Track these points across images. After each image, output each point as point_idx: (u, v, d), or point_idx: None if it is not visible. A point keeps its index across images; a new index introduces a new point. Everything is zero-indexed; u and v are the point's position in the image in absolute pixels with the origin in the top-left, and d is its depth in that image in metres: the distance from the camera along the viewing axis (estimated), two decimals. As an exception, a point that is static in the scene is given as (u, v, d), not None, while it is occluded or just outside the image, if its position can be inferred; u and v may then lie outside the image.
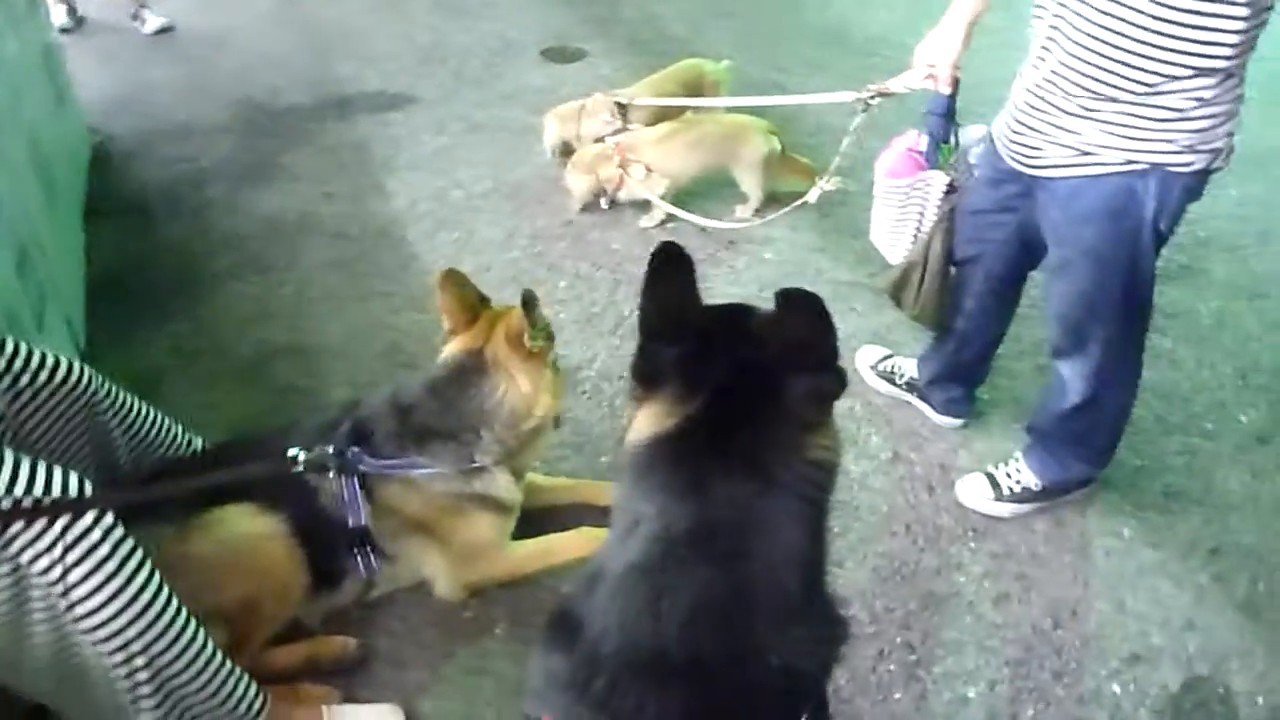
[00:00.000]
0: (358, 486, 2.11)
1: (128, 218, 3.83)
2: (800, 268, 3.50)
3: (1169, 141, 1.88)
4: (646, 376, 1.14)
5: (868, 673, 2.19)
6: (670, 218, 3.70)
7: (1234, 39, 1.76)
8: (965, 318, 2.57)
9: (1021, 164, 2.13)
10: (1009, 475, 2.57)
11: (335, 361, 3.09)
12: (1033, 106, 2.04)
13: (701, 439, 1.07)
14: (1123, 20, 1.79)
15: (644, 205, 3.75)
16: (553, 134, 3.86)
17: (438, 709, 2.12)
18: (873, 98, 2.50)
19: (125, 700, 1.72)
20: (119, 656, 1.66)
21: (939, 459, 2.76)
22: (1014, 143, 2.12)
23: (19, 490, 1.55)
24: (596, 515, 2.47)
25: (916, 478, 2.70)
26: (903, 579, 2.41)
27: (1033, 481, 2.53)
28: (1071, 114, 1.96)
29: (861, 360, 3.02)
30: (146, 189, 4.03)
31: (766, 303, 1.11)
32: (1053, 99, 1.98)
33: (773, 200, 3.76)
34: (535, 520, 2.41)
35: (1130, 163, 1.93)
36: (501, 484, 2.24)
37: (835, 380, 1.10)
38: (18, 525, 1.56)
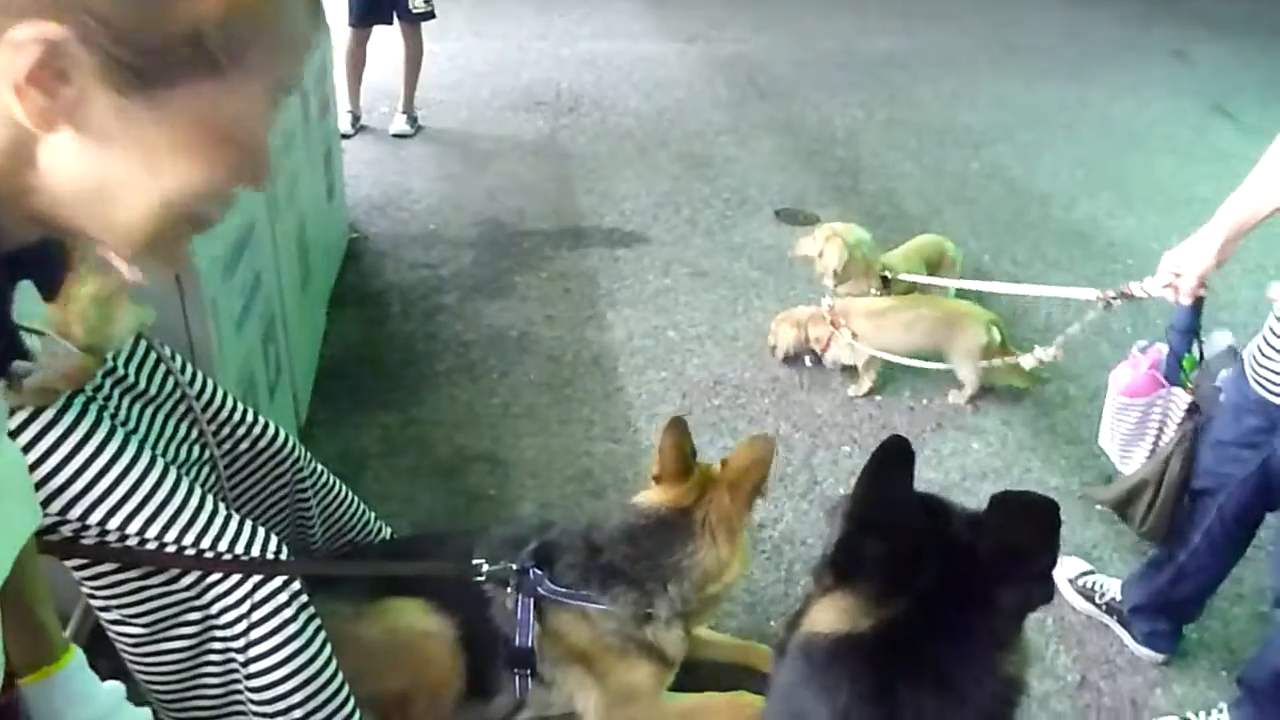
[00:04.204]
0: (532, 608, 2.13)
1: (366, 311, 4.10)
2: (1008, 464, 3.35)
3: None
4: (844, 568, 1.11)
5: None
6: (878, 389, 3.65)
7: None
8: (1189, 552, 2.38)
9: (1266, 391, 1.99)
10: (1210, 728, 2.34)
11: (527, 478, 3.16)
12: None
13: (897, 647, 1.03)
14: None
15: (852, 373, 3.72)
16: (786, 339, 3.81)
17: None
18: (1115, 297, 2.41)
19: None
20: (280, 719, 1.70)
21: (1132, 693, 2.53)
22: (1261, 367, 2.00)
23: (223, 545, 1.64)
24: (757, 680, 2.39)
25: (1104, 709, 2.49)
26: (1079, 820, 2.20)
27: (1238, 741, 2.29)
28: None
29: (1061, 573, 2.83)
30: (388, 287, 4.31)
31: (965, 493, 1.07)
32: None
33: (988, 392, 3.66)
34: (693, 674, 2.35)
35: None
36: (672, 638, 2.22)
37: (1044, 593, 1.04)
38: (214, 576, 1.64)
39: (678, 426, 2.21)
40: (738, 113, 6.75)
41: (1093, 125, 6.77)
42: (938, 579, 1.04)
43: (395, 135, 6.04)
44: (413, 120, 6.11)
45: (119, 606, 1.67)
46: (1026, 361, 3.04)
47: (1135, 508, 2.41)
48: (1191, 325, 2.21)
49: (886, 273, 3.87)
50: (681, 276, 4.54)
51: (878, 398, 3.67)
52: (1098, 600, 2.73)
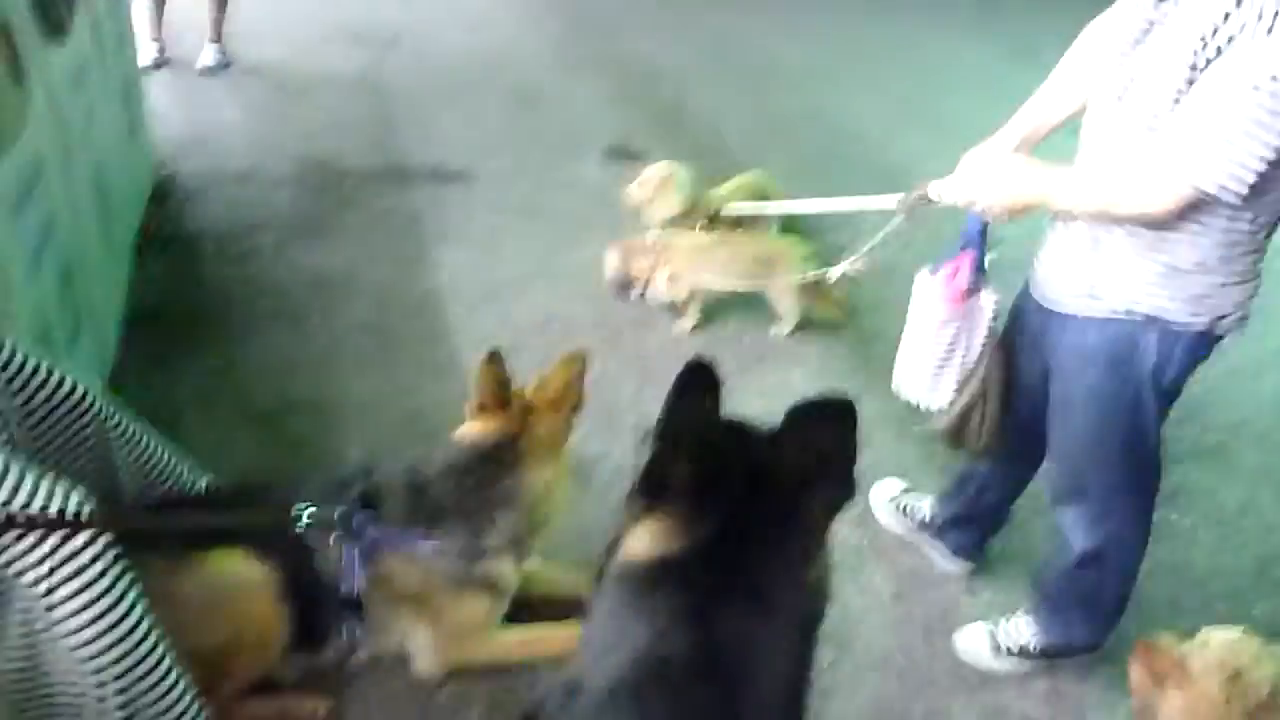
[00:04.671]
0: (357, 554, 2.10)
1: (177, 254, 3.91)
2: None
3: (1168, 297, 1.90)
4: (654, 491, 1.13)
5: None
6: (702, 325, 3.73)
7: (1229, 210, 1.78)
8: (990, 460, 2.53)
9: (1041, 293, 2.14)
10: (1009, 632, 2.50)
11: (353, 422, 3.10)
12: (1055, 233, 2.06)
13: (708, 566, 1.06)
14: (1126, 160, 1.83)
15: (677, 309, 3.79)
16: (611, 265, 3.81)
17: (398, 785, 2.07)
18: (915, 201, 2.40)
19: (92, 722, 1.69)
20: (93, 679, 1.64)
21: (942, 604, 2.70)
22: (1039, 270, 2.14)
23: (19, 500, 1.55)
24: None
25: (916, 621, 2.64)
26: (890, 724, 2.34)
27: (1033, 640, 2.46)
28: (1083, 247, 1.98)
29: (876, 495, 2.98)
30: (200, 229, 4.12)
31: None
32: (1070, 229, 2.01)
33: (808, 326, 3.78)
34: (526, 608, 2.38)
35: (1130, 311, 1.94)
36: (504, 569, 2.24)
37: (848, 490, 1.09)
38: (9, 536, 1.56)
39: (494, 358, 2.21)
40: (564, 51, 6.69)
41: (908, 65, 7.02)
42: (744, 496, 1.07)
43: (204, 69, 5.73)
44: (222, 53, 5.80)
45: (-94, 573, 1.57)
46: (833, 273, 3.13)
47: (968, 429, 2.42)
48: (983, 229, 2.25)
49: (712, 209, 3.92)
50: (510, 215, 4.50)
51: (704, 334, 3.75)
52: (911, 519, 2.87)
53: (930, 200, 2.34)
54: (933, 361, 2.43)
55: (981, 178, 2.04)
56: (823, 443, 1.07)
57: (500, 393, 2.22)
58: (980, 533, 2.74)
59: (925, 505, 2.86)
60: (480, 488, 2.16)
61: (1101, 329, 2.00)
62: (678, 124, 5.69)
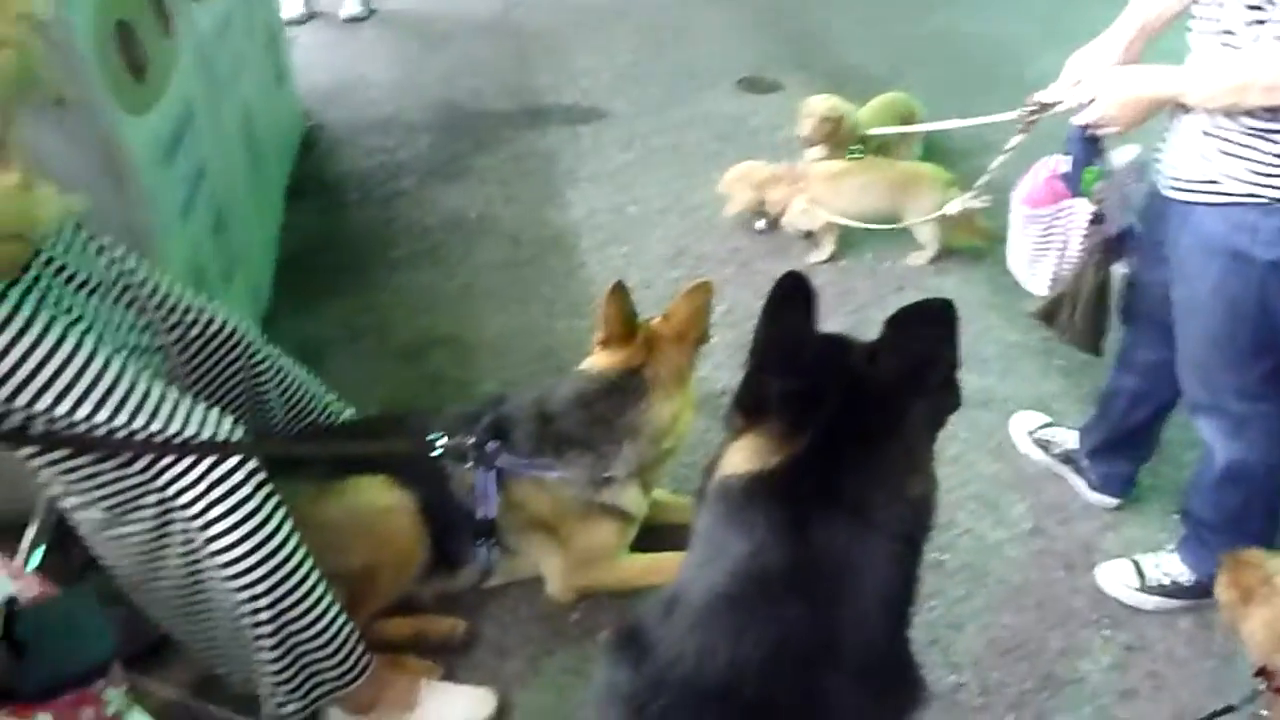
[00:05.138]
0: (492, 480, 2.18)
1: (324, 199, 4.08)
2: (967, 322, 3.31)
3: None
4: (751, 408, 1.12)
5: (970, 746, 2.11)
6: (840, 254, 3.67)
7: None
8: (1136, 375, 2.42)
9: (1163, 183, 2.02)
10: (1157, 566, 2.41)
11: (490, 357, 3.19)
12: (1175, 118, 1.94)
13: (806, 479, 1.05)
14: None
15: (812, 238, 3.73)
16: (741, 200, 3.76)
17: (530, 701, 2.16)
18: (1031, 112, 2.27)
19: (246, 637, 1.82)
20: (245, 594, 1.76)
21: (1084, 538, 2.61)
22: (1161, 159, 2.02)
23: (174, 427, 1.66)
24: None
25: (1056, 554, 2.56)
26: (1023, 656, 2.30)
27: (1183, 575, 2.37)
28: (1203, 131, 1.86)
29: (1018, 425, 2.89)
30: (345, 175, 4.27)
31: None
32: (1186, 118, 1.89)
33: (949, 254, 3.68)
34: (657, 536, 2.42)
35: (1252, 195, 1.82)
36: (630, 496, 2.28)
37: (951, 398, 1.07)
38: (169, 459, 1.67)
39: (619, 291, 2.24)
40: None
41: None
42: (841, 409, 1.06)
43: (347, 19, 5.89)
44: (365, 3, 5.95)
45: (77, 493, 1.70)
46: (951, 208, 3.10)
47: (1058, 320, 2.40)
48: (1087, 138, 2.12)
49: (861, 132, 3.83)
50: (643, 151, 4.49)
51: (841, 262, 3.69)
52: (1053, 451, 2.78)
53: (1047, 107, 2.22)
54: (1025, 253, 2.38)
55: (1104, 80, 1.96)
56: (922, 350, 1.05)
57: (625, 325, 2.24)
58: (1128, 464, 2.63)
59: (1069, 437, 2.76)
60: (605, 418, 2.20)
61: (1222, 217, 1.88)
62: (812, 52, 5.55)
